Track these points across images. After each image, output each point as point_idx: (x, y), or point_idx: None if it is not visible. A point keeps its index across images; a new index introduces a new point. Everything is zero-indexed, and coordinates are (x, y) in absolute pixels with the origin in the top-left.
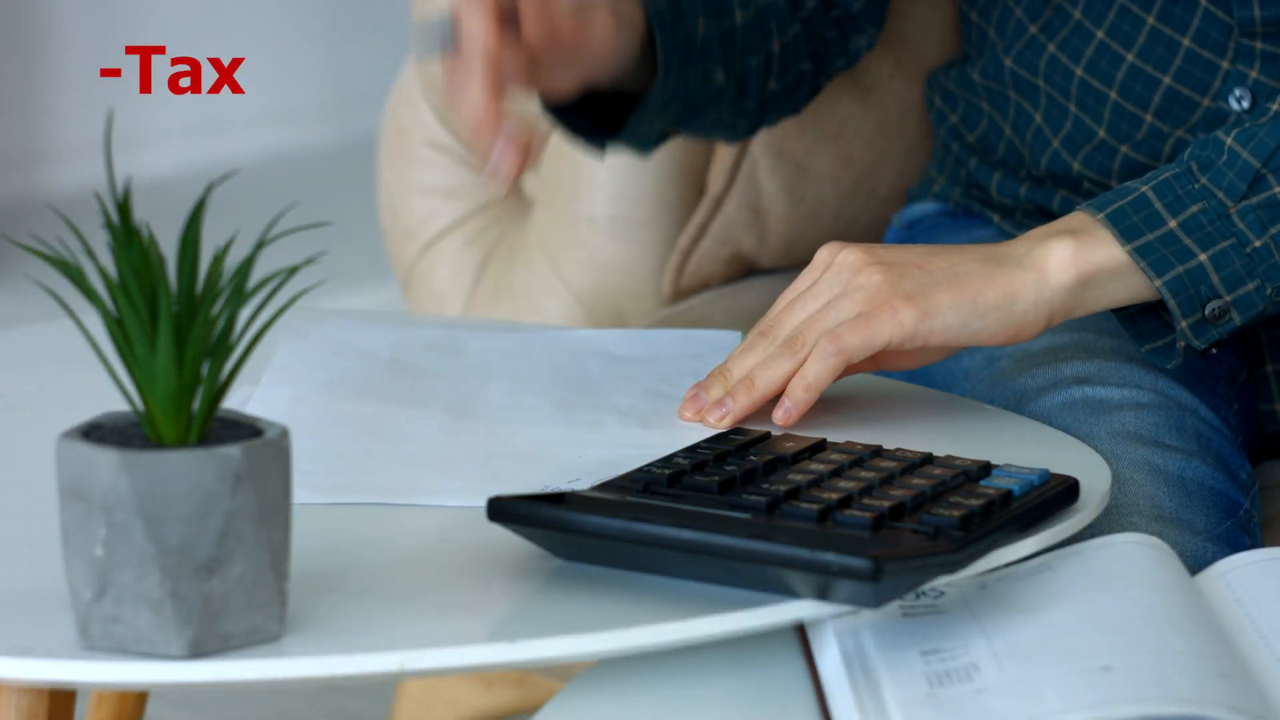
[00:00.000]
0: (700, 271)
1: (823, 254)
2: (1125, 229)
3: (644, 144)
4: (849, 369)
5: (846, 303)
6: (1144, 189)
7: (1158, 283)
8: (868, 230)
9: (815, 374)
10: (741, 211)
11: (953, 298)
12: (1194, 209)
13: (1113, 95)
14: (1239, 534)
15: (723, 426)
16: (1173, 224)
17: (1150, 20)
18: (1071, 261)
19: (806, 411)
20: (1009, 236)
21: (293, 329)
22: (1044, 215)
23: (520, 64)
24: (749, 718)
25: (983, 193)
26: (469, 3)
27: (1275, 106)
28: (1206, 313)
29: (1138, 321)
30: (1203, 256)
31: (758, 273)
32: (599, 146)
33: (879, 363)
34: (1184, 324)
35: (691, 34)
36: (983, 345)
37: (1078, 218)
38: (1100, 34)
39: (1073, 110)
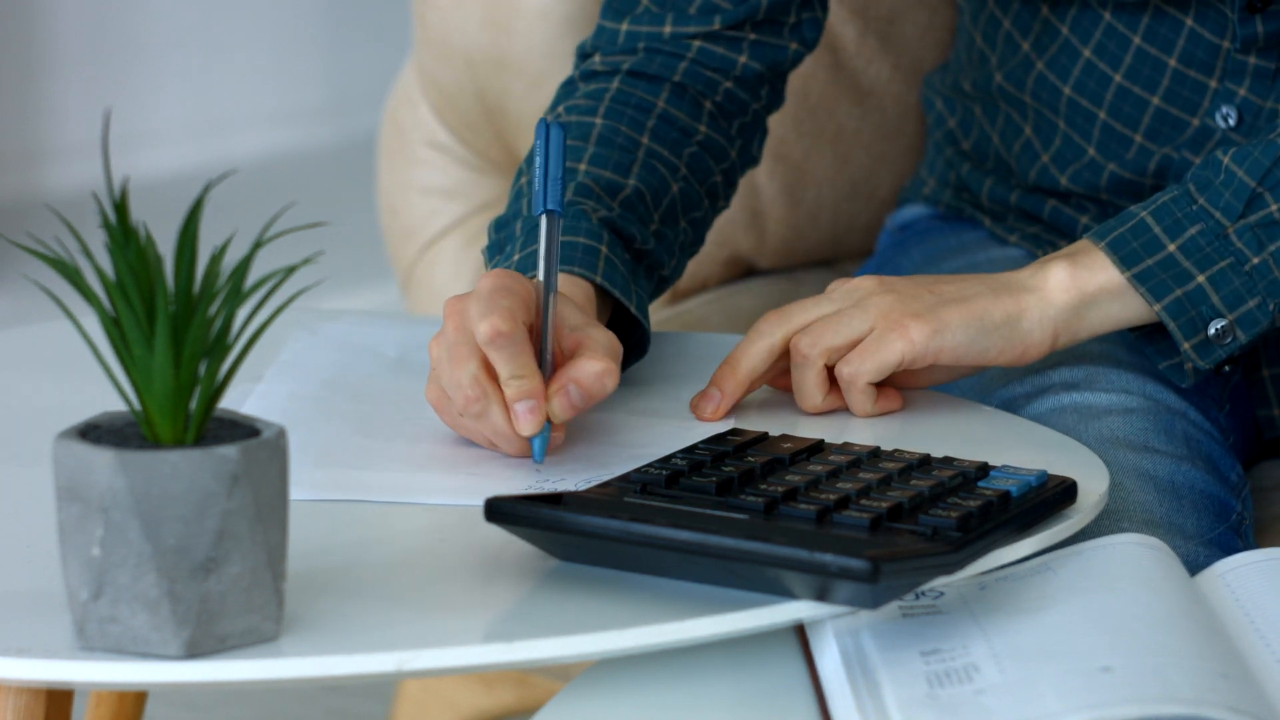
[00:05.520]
0: (698, 272)
1: (834, 282)
2: (1125, 255)
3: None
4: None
5: (859, 315)
6: (1144, 214)
7: (1157, 307)
8: (865, 232)
9: (811, 400)
10: (740, 212)
11: (961, 316)
12: (1192, 231)
13: (1102, 115)
14: (1231, 538)
15: (714, 418)
16: (1172, 248)
17: (1136, 40)
18: (1071, 282)
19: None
20: (1000, 239)
21: (304, 326)
22: (1035, 221)
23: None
24: (749, 718)
25: (973, 197)
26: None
27: (1276, 136)
28: (1210, 333)
29: (1155, 339)
30: (1201, 278)
31: (756, 274)
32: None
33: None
34: (1187, 345)
35: (652, 266)
36: (990, 364)
37: (1080, 244)
38: (1087, 53)
39: (1062, 127)
